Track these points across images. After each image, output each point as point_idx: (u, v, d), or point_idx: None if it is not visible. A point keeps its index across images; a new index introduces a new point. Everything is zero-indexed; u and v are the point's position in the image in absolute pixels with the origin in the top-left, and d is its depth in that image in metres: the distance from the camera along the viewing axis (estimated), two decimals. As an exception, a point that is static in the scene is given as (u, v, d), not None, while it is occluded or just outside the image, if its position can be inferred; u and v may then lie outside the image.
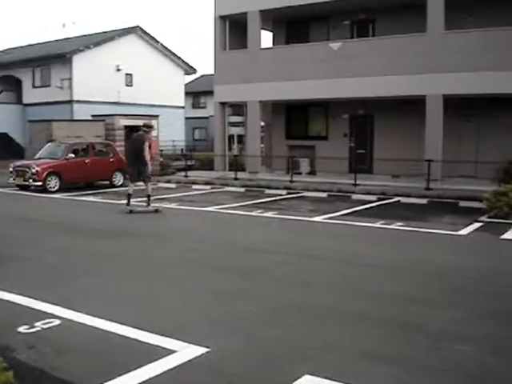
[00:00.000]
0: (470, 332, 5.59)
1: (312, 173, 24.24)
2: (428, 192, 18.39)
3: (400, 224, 12.47)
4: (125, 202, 14.30)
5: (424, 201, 17.31)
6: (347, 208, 15.12)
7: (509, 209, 13.00)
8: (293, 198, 18.26)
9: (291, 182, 21.30)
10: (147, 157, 13.90)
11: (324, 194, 18.87)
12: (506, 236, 11.23)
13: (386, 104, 22.33)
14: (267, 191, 19.85)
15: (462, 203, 16.36)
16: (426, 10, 19.85)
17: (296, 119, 26.03)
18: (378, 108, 23.13)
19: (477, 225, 12.50)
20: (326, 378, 4.40)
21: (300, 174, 23.84)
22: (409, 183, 19.81)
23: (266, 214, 14.03)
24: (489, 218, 13.19)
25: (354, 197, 18.10)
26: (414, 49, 20.29)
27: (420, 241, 10.99)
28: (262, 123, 26.42)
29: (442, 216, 14.13)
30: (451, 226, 12.41)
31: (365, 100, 22.65)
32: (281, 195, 18.83)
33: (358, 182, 19.95)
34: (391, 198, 17.68)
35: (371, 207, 15.72)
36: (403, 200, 17.42)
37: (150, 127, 14.72)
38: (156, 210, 14.23)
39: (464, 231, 11.73)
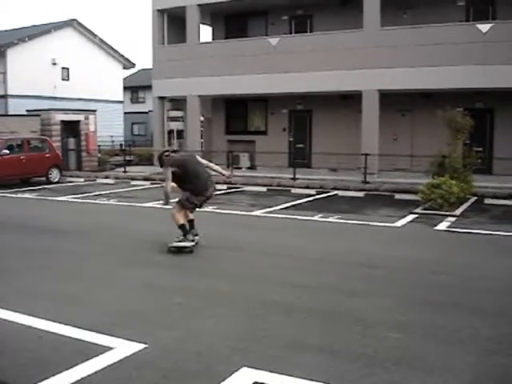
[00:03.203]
0: (402, 320, 5.74)
1: (252, 167, 24.33)
2: (365, 185, 18.74)
3: (338, 217, 12.68)
4: (62, 198, 13.95)
5: (361, 194, 17.64)
6: (286, 202, 15.26)
7: (442, 200, 13.38)
8: (233, 192, 18.29)
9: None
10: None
11: (264, 189, 18.98)
12: (440, 227, 11.56)
13: (325, 99, 22.63)
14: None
15: (398, 196, 16.76)
16: (362, 7, 20.20)
17: (236, 114, 26.08)
18: (317, 103, 23.41)
19: (412, 216, 12.82)
20: (262, 369, 4.45)
21: (240, 168, 23.88)
22: (347, 177, 20.13)
23: (205, 209, 13.96)
24: (423, 209, 13.54)
25: (294, 191, 18.28)
26: (351, 45, 20.61)
27: (356, 233, 11.19)
28: (202, 118, 26.33)
29: (379, 208, 14.43)
30: (387, 218, 12.69)
31: (303, 95, 22.89)
32: (221, 190, 18.80)
33: (297, 176, 20.15)
34: (329, 192, 17.93)
35: (310, 201, 15.91)
36: (341, 193, 17.70)
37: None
38: (192, 246, 9.15)
39: (399, 223, 12.02)
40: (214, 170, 9.87)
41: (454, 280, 7.39)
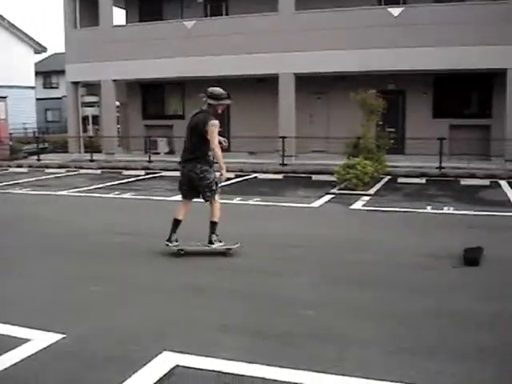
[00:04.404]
0: (321, 297, 5.90)
1: (171, 152, 24.13)
2: (283, 167, 19.00)
3: (257, 199, 12.81)
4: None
5: (280, 176, 17.88)
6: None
7: (357, 180, 13.75)
8: (151, 178, 18.12)
9: (149, 162, 21.12)
10: (216, 153, 7.43)
11: (183, 173, 18.86)
12: (355, 206, 11.90)
13: (241, 82, 22.65)
14: (125, 172, 19.53)
15: (315, 177, 17.09)
16: (276, -10, 20.32)
17: (152, 98, 25.74)
18: (234, 86, 23.26)
19: (328, 197, 13.12)
20: (184, 352, 4.47)
21: (158, 153, 23.65)
22: (265, 160, 20.32)
23: (123, 196, 13.82)
24: (339, 189, 13.88)
25: (227, 174, 18.22)
26: (266, 28, 20.71)
27: (276, 214, 11.35)
28: (118, 103, 25.86)
29: (297, 190, 14.68)
30: (305, 199, 12.94)
31: (220, 79, 22.80)
32: (139, 176, 18.61)
33: (216, 160, 20.11)
34: (249, 175, 18.07)
35: (230, 184, 15.95)
36: (260, 176, 17.89)
37: (219, 97, 7.62)
38: (227, 250, 7.78)
39: (317, 203, 12.27)
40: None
41: (371, 257, 7.63)
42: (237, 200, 12.79)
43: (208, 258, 7.67)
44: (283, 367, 4.17)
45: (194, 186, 7.64)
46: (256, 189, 14.95)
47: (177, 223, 7.84)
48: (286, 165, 19.32)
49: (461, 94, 21.55)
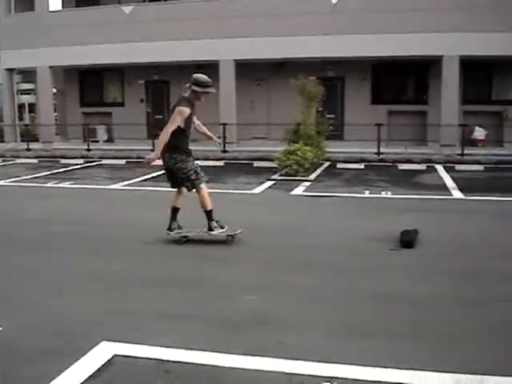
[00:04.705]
0: (263, 282, 5.94)
1: (110, 140, 23.80)
2: (224, 154, 18.98)
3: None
4: None
5: (221, 163, 17.86)
6: (146, 174, 15.10)
7: (298, 166, 13.87)
8: (90, 166, 17.82)
9: (88, 150, 20.75)
10: (161, 136, 7.22)
11: (123, 162, 18.66)
12: (295, 192, 12.02)
13: (181, 69, 22.38)
14: (63, 161, 19.14)
15: (257, 163, 17.15)
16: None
17: (90, 85, 25.26)
18: (174, 73, 23.15)
19: (269, 183, 13.20)
20: (123, 341, 4.43)
21: (97, 141, 23.27)
22: (206, 147, 20.16)
23: (61, 185, 13.54)
24: (280, 176, 13.98)
25: (154, 162, 18.00)
26: (207, 14, 20.57)
27: (216, 201, 11.28)
28: (55, 90, 25.26)
29: (238, 177, 14.71)
30: (246, 185, 12.98)
31: (159, 65, 22.58)
32: (78, 164, 18.26)
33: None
34: (190, 162, 17.94)
35: (170, 172, 15.84)
36: (201, 163, 17.63)
37: (203, 84, 7.32)
38: (228, 237, 7.68)
39: (257, 190, 12.33)
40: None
41: (311, 241, 7.69)
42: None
43: (151, 246, 7.60)
44: (223, 353, 4.19)
45: (173, 175, 7.52)
46: (197, 176, 14.87)
47: (175, 211, 7.67)
48: (227, 152, 19.30)
49: (398, 81, 22.02)
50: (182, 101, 7.27)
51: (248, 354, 4.15)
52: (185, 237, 7.62)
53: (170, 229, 7.65)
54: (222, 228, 7.54)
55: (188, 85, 7.29)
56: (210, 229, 7.54)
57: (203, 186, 7.51)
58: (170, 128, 7.12)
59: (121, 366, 4.05)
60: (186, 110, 7.14)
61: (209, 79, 7.35)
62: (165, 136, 7.12)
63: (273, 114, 21.86)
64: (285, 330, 4.68)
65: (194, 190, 7.51)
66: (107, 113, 24.33)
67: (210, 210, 7.51)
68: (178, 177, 7.44)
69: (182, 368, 3.99)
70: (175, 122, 7.12)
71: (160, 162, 7.41)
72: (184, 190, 7.65)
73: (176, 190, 7.73)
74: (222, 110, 20.55)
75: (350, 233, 8.19)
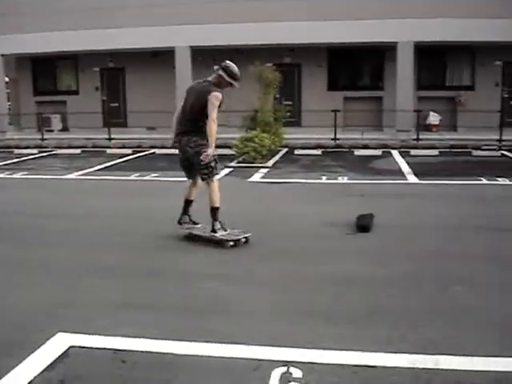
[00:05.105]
0: (212, 271, 5.93)
1: (65, 129, 23.41)
2: (182, 142, 18.83)
3: (155, 175, 12.69)
4: None
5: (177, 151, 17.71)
6: (102, 163, 14.92)
7: (255, 153, 13.89)
8: (45, 156, 17.49)
9: (42, 140, 20.39)
10: (211, 127, 6.66)
11: (78, 151, 18.38)
12: (253, 179, 12.05)
13: (137, 56, 22.17)
14: (17, 151, 18.75)
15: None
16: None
17: (43, 74, 24.72)
18: (129, 60, 22.87)
19: (227, 170, 13.18)
20: (78, 332, 4.38)
21: (52, 131, 22.84)
22: (164, 135, 20.00)
23: (15, 176, 13.25)
24: (238, 163, 13.97)
25: (109, 151, 17.91)
26: (162, 0, 20.29)
27: (173, 189, 11.19)
28: (7, 79, 24.66)
29: (196, 165, 14.62)
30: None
31: (114, 52, 22.23)
32: (32, 154, 17.91)
33: (112, 136, 19.76)
34: (147, 151, 17.85)
35: (127, 160, 15.70)
36: (159, 151, 17.68)
37: (231, 74, 6.90)
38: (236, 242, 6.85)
39: (215, 177, 12.25)
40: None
41: (267, 227, 7.71)
42: (134, 176, 12.60)
43: (107, 237, 7.52)
44: (180, 340, 4.18)
45: (190, 162, 7.00)
46: (154, 164, 14.78)
47: (187, 203, 7.24)
48: (184, 139, 19.16)
49: (354, 67, 22.20)
50: (212, 86, 6.81)
51: (206, 341, 4.16)
52: (191, 233, 7.13)
53: (179, 222, 7.23)
54: (225, 231, 6.92)
55: (216, 67, 6.94)
56: (213, 230, 6.94)
57: (215, 178, 6.98)
58: (214, 115, 6.63)
59: (77, 357, 4.00)
60: (220, 95, 6.71)
61: (238, 72, 6.96)
62: (214, 125, 6.62)
63: (230, 100, 21.67)
64: (242, 316, 4.70)
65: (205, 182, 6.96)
66: (62, 101, 23.88)
67: (217, 208, 6.91)
68: (196, 163, 6.86)
69: (138, 357, 3.97)
70: (215, 106, 6.65)
71: (215, 152, 6.81)
72: (199, 181, 7.13)
73: (191, 180, 7.25)
74: (179, 98, 20.32)
75: (307, 218, 8.24)
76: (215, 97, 6.65)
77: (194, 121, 6.85)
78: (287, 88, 19.52)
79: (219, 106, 6.73)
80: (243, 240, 6.84)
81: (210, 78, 6.96)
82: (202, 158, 6.65)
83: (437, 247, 6.68)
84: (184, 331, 4.38)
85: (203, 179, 6.94)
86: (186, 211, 7.26)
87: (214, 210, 6.91)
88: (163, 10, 20.16)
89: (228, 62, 6.93)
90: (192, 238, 7.07)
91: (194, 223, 7.23)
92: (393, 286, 5.34)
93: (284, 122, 17.19)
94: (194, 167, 6.95)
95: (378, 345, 4.05)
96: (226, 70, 6.84)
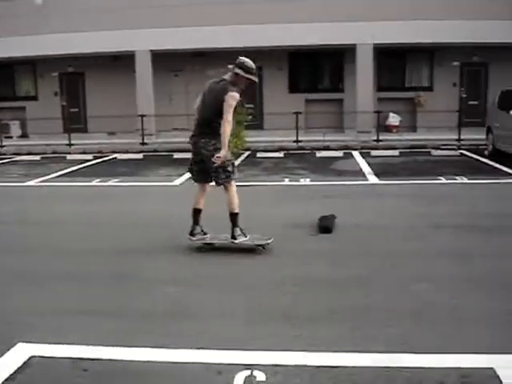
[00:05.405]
0: (176, 275, 5.95)
1: (24, 135, 23.04)
2: (144, 147, 18.79)
3: (116, 180, 12.57)
4: None
5: (140, 156, 17.66)
6: (62, 169, 14.72)
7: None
8: (4, 163, 17.19)
9: (1, 146, 20.12)
10: (225, 128, 6.36)
11: (38, 157, 18.12)
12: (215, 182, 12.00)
13: (96, 60, 21.93)
14: (-26, 159, 18.41)
15: (177, 155, 17.01)
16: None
17: (1, 79, 24.15)
18: (89, 65, 22.61)
19: (189, 174, 13.09)
20: (39, 342, 4.32)
21: (11, 137, 22.46)
22: (125, 139, 19.94)
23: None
24: (200, 167, 13.90)
25: (70, 157, 17.70)
26: (121, 3, 20.11)
27: (135, 194, 11.19)
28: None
29: (158, 169, 14.57)
30: (166, 177, 12.87)
31: (73, 57, 21.97)
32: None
33: (72, 142, 19.56)
34: (108, 156, 17.68)
35: (87, 166, 15.53)
36: (120, 156, 17.55)
37: (248, 69, 6.61)
38: (256, 247, 6.78)
39: (178, 181, 12.25)
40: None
41: (221, 231, 7.71)
42: (95, 182, 12.47)
43: (68, 242, 7.43)
44: (143, 347, 4.16)
45: (206, 166, 6.63)
46: (115, 169, 14.65)
47: (196, 213, 6.87)
48: (146, 144, 19.10)
49: (315, 70, 22.37)
50: (229, 85, 6.50)
51: (167, 347, 4.14)
52: (209, 244, 6.87)
53: (191, 234, 6.87)
54: (245, 236, 6.73)
55: (231, 66, 6.69)
56: (233, 237, 6.71)
57: (234, 183, 6.72)
58: (229, 116, 6.35)
59: (38, 367, 3.95)
60: (237, 95, 6.46)
61: (254, 66, 6.65)
62: (228, 126, 6.34)
63: (191, 104, 21.59)
64: (205, 320, 4.70)
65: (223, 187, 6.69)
66: (20, 107, 23.46)
67: (237, 214, 6.70)
68: (212, 167, 6.52)
69: (99, 365, 3.93)
70: (231, 107, 6.36)
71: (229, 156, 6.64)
72: (207, 187, 6.94)
73: (199, 185, 6.96)
74: (140, 102, 20.29)
75: (270, 220, 8.25)
76: (232, 97, 6.37)
77: (210, 122, 6.54)
78: (249, 91, 19.33)
79: (235, 108, 6.50)
80: (270, 242, 6.70)
81: (226, 77, 6.67)
82: (213, 159, 6.34)
83: (398, 246, 6.78)
84: (145, 336, 4.36)
85: (219, 184, 6.66)
86: (196, 221, 6.88)
87: (234, 216, 6.69)
88: (123, 14, 20.00)
89: (242, 58, 6.68)
90: (205, 248, 6.86)
91: (205, 234, 6.93)
92: (354, 286, 5.40)
93: (246, 124, 17.21)
94: (209, 171, 6.64)
95: (340, 345, 4.10)
96: (242, 66, 6.57)
